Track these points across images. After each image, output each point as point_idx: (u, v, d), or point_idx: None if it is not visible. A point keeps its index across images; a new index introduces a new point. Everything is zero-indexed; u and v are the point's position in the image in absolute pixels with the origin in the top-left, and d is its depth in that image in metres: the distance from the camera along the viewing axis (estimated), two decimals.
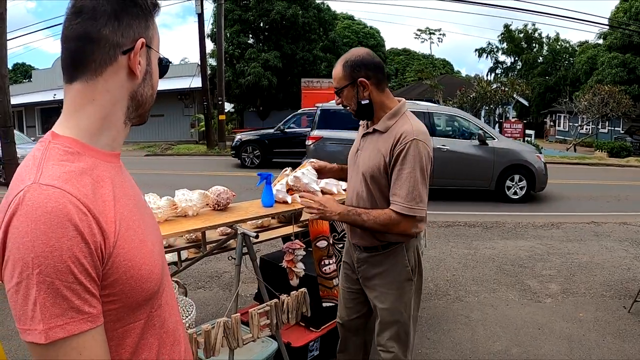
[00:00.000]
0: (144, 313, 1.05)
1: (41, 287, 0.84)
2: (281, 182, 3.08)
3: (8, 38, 9.00)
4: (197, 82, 21.66)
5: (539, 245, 7.06)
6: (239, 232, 2.67)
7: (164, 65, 1.16)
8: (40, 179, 0.90)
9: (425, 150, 2.34)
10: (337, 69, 2.45)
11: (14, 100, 9.69)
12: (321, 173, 2.97)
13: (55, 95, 29.31)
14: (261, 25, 29.35)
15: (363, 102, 2.43)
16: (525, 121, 24.65)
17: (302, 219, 3.23)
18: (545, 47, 44.73)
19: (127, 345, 1.02)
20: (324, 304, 3.28)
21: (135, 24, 1.04)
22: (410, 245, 2.54)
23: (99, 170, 1.00)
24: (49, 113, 30.86)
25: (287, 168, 3.12)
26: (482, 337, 4.16)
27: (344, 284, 2.84)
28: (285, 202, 3.08)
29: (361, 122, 2.65)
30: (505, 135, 21.77)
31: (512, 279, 5.61)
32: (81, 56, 1.01)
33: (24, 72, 48.55)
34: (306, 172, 3.00)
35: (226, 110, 22.65)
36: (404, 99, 2.55)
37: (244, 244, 2.71)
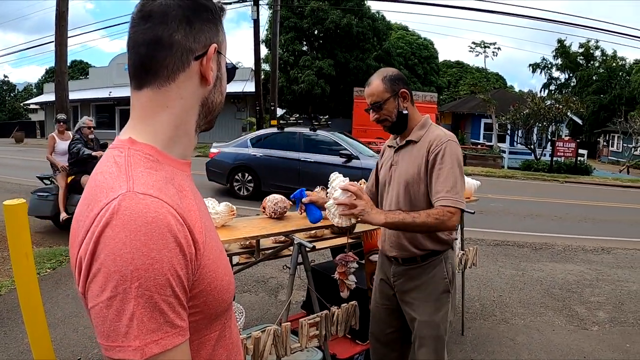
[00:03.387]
0: (219, 324, 1.03)
1: (139, 302, 0.79)
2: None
3: (68, 36, 9.29)
4: (250, 87, 21.89)
5: (588, 270, 6.88)
6: (295, 242, 2.71)
7: (230, 70, 1.14)
8: (135, 187, 0.85)
9: (459, 151, 2.45)
10: (376, 83, 2.51)
11: (71, 96, 10.00)
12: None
13: (110, 92, 30.24)
14: (315, 33, 29.56)
15: (404, 112, 2.52)
16: (578, 140, 24.03)
17: (355, 230, 3.24)
18: (601, 64, 43.63)
19: (201, 358, 0.99)
20: None
21: (207, 28, 1.02)
22: (449, 256, 2.58)
23: (177, 179, 0.97)
24: (104, 109, 31.87)
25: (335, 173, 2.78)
26: None
27: (379, 301, 2.79)
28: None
29: (389, 141, 2.76)
30: (558, 154, 21.35)
31: (560, 304, 5.49)
32: (152, 62, 0.97)
33: (81, 70, 49.84)
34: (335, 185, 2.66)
35: (278, 116, 22.83)
36: (427, 114, 2.67)
37: (299, 254, 2.74)
